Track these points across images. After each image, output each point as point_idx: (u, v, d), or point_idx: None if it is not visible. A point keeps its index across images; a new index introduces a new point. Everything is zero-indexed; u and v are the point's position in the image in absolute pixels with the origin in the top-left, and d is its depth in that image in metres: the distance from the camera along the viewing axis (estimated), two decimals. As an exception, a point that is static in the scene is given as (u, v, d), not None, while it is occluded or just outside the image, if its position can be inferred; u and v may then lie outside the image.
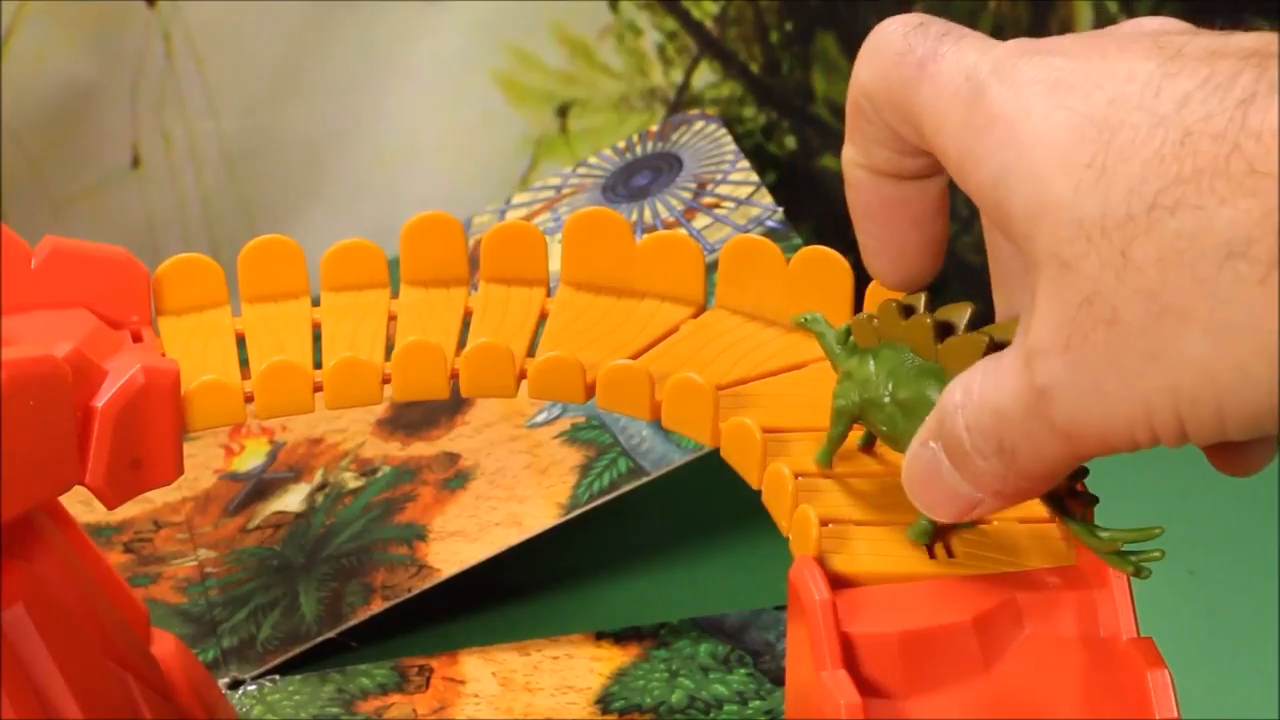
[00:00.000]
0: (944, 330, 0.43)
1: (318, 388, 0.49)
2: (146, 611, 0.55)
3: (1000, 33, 0.79)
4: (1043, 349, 0.38)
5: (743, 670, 0.67)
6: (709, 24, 0.85)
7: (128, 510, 0.76)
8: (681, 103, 0.86)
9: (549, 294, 0.54)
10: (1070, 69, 0.38)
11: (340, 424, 0.78)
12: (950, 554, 0.44)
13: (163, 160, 0.87)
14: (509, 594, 0.72)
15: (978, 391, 0.40)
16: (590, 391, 0.49)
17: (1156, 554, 0.41)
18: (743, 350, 0.51)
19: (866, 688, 0.41)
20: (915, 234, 0.44)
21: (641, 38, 0.85)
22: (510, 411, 0.76)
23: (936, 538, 0.44)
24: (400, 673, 0.68)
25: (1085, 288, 0.36)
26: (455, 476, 0.74)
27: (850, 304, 0.50)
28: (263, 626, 0.70)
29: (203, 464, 0.79)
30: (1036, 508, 0.45)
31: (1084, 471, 0.43)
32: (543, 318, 0.53)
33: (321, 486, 0.76)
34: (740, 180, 0.79)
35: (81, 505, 0.53)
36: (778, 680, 0.66)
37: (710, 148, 0.82)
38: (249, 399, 0.49)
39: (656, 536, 0.75)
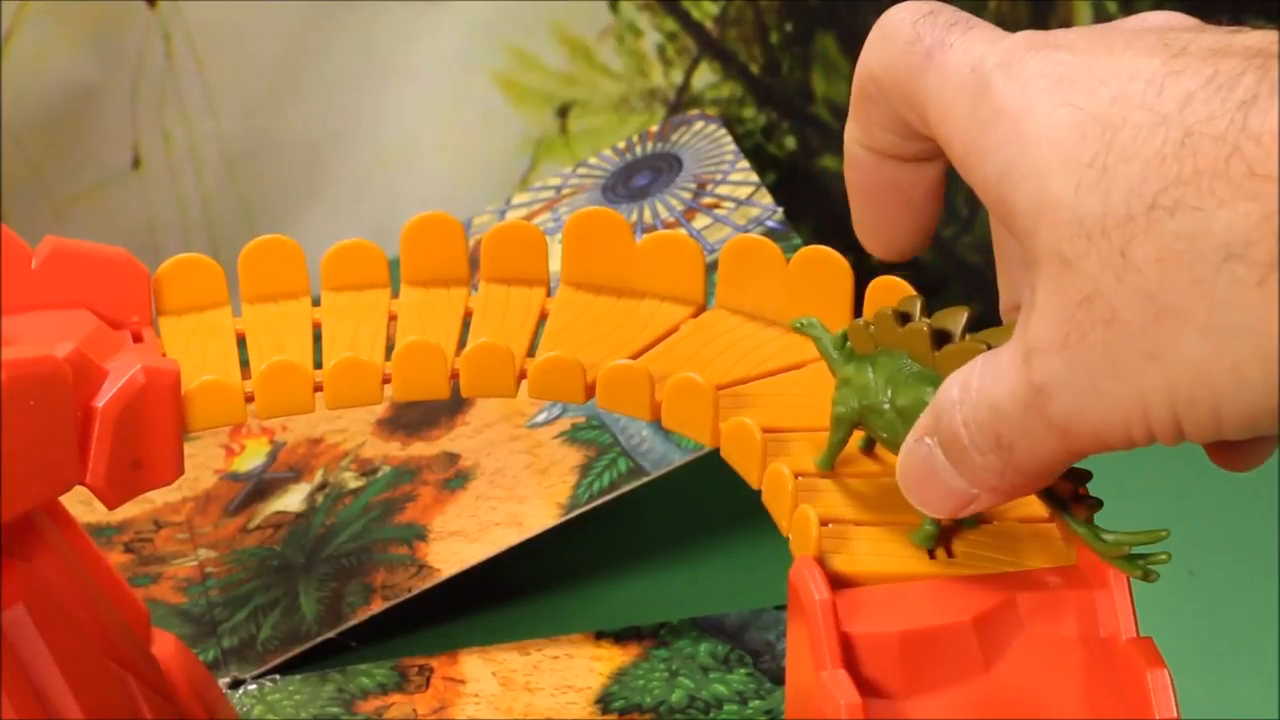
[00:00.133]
0: (941, 337, 0.43)
1: (318, 388, 0.49)
2: (147, 611, 0.55)
3: (1000, 33, 0.79)
4: (1041, 346, 0.38)
5: (743, 670, 0.67)
6: (709, 25, 0.85)
7: (128, 510, 0.76)
8: (681, 103, 0.86)
9: (549, 294, 0.54)
10: (1075, 64, 0.38)
11: (340, 424, 0.78)
12: (950, 554, 0.44)
13: (163, 161, 0.87)
14: (509, 594, 0.72)
15: (975, 387, 0.40)
16: (590, 391, 0.49)
17: (1164, 556, 0.41)
18: (743, 350, 0.51)
19: (866, 688, 0.41)
20: (908, 214, 0.44)
21: (641, 38, 0.85)
22: (510, 411, 0.76)
23: (939, 542, 0.44)
24: (400, 672, 0.68)
25: (1085, 286, 0.36)
26: (455, 476, 0.74)
27: (850, 304, 0.50)
28: (263, 626, 0.70)
29: (203, 464, 0.79)
30: (1036, 507, 0.45)
31: (1087, 475, 0.43)
32: (543, 318, 0.53)
33: (322, 486, 0.76)
34: (740, 180, 0.79)
35: (82, 505, 0.53)
36: (778, 680, 0.66)
37: (710, 148, 0.82)
38: (249, 399, 0.49)
39: (656, 536, 0.75)
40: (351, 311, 0.53)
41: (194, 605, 0.71)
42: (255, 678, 0.68)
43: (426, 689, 0.67)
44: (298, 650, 0.68)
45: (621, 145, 0.85)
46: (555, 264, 0.53)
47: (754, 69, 0.85)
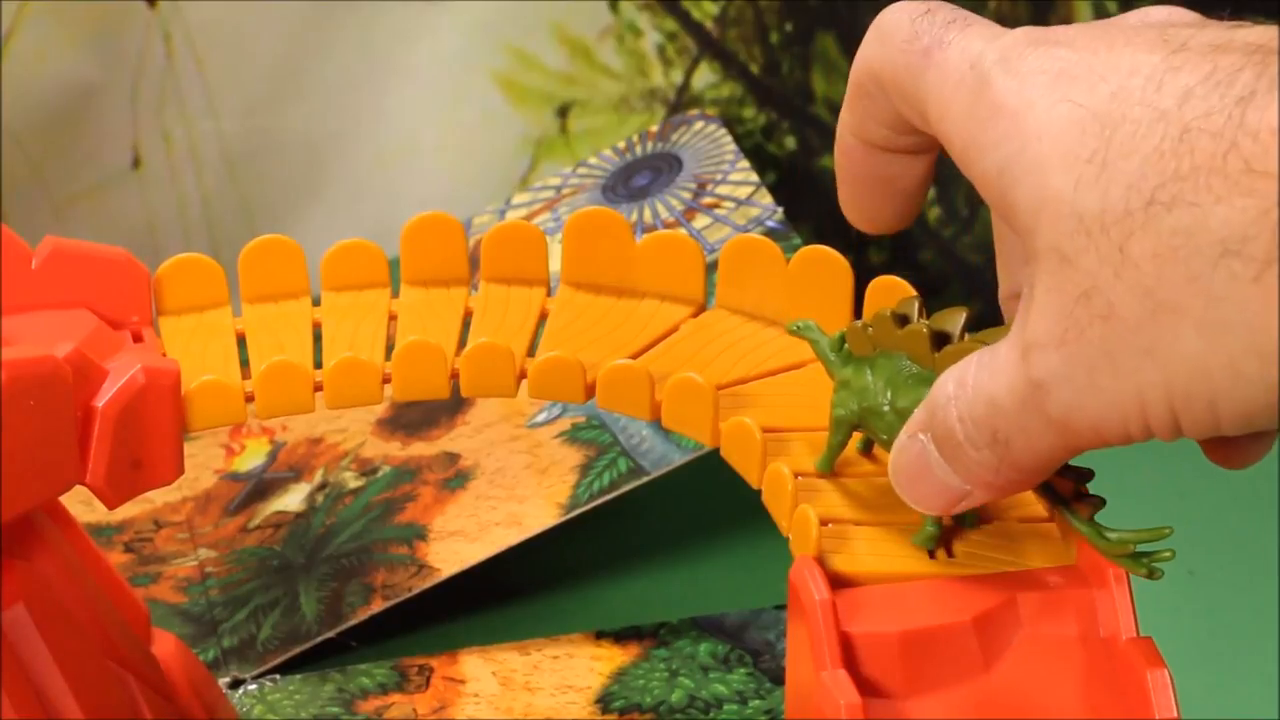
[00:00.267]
0: (939, 338, 0.43)
1: (318, 387, 0.49)
2: (147, 611, 0.55)
3: (1000, 33, 0.79)
4: (1039, 342, 0.38)
5: (743, 670, 0.67)
6: (709, 25, 0.85)
7: (128, 510, 0.76)
8: (681, 103, 0.86)
9: (549, 294, 0.54)
10: (1075, 60, 0.38)
11: (340, 424, 0.78)
12: (950, 554, 0.44)
13: (163, 161, 0.87)
14: (509, 594, 0.72)
15: (972, 383, 0.40)
16: (590, 391, 0.49)
17: (1168, 554, 0.41)
18: (743, 350, 0.51)
19: (866, 688, 0.41)
20: (894, 202, 0.44)
21: (641, 38, 0.85)
22: (510, 411, 0.76)
23: (939, 542, 0.44)
24: (400, 672, 0.68)
25: (1083, 282, 0.37)
26: (455, 476, 0.74)
27: (850, 304, 0.50)
28: (263, 626, 0.70)
29: (203, 464, 0.79)
30: (1036, 508, 0.45)
31: (1089, 474, 0.43)
32: (543, 317, 0.53)
33: (322, 486, 0.76)
34: (740, 180, 0.79)
35: (82, 505, 0.53)
36: (778, 680, 0.66)
37: (710, 148, 0.82)
38: (249, 399, 0.49)
39: (656, 536, 0.75)
40: (351, 311, 0.53)
41: (194, 605, 0.71)
42: (255, 677, 0.68)
43: (426, 689, 0.67)
44: (298, 650, 0.68)
45: (621, 145, 0.85)
46: (555, 264, 0.53)
47: (754, 69, 0.85)
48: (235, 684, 0.68)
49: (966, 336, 0.43)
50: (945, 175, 0.46)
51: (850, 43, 0.83)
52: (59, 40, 0.83)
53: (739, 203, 0.78)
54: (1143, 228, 0.36)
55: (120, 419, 0.45)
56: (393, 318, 0.53)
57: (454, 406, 0.77)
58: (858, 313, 0.50)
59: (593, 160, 0.85)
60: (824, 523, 0.44)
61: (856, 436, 0.47)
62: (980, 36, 0.40)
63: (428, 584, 0.69)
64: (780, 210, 0.76)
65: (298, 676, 0.68)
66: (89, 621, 0.47)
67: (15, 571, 0.44)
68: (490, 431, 0.75)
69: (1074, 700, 0.42)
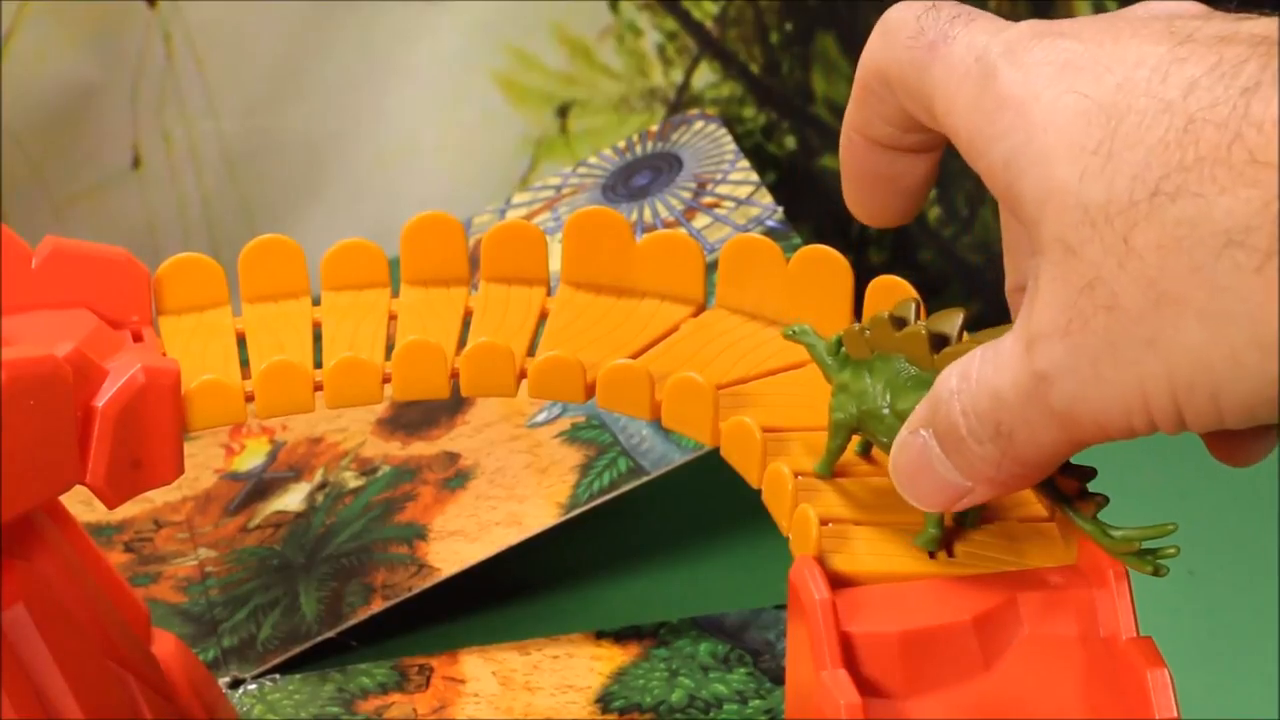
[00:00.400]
0: (938, 340, 0.43)
1: (318, 387, 0.49)
2: (147, 611, 0.55)
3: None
4: (1044, 333, 0.38)
5: (743, 669, 0.67)
6: (709, 24, 0.85)
7: (128, 510, 0.76)
8: (681, 103, 0.86)
9: (549, 293, 0.54)
10: (1080, 51, 0.38)
11: (340, 423, 0.78)
12: (950, 554, 0.44)
13: (163, 161, 0.87)
14: (509, 594, 0.72)
15: (975, 376, 0.40)
16: (590, 391, 0.49)
17: (1172, 550, 0.41)
18: (743, 350, 0.51)
19: (866, 687, 0.41)
20: (899, 199, 0.45)
21: (641, 38, 0.85)
22: (510, 411, 0.76)
23: (940, 543, 0.44)
24: (400, 672, 0.68)
25: (1088, 273, 0.37)
26: (455, 476, 0.74)
27: (850, 303, 0.50)
28: (263, 626, 0.70)
29: (203, 463, 0.79)
30: (1037, 507, 0.45)
31: (1092, 472, 0.43)
32: (543, 317, 0.53)
33: (322, 486, 0.76)
34: (740, 180, 0.79)
35: (81, 505, 0.53)
36: (778, 679, 0.66)
37: (710, 147, 0.82)
38: (249, 398, 0.49)
39: (656, 536, 0.75)
40: (351, 311, 0.53)
41: (194, 605, 0.71)
42: (255, 677, 0.68)
43: (426, 689, 0.67)
44: (298, 650, 0.68)
45: (621, 145, 0.85)
46: (555, 263, 0.53)
47: (754, 69, 0.85)
48: (235, 684, 0.68)
49: (965, 337, 0.43)
50: (945, 175, 0.46)
51: (850, 42, 0.83)
52: (59, 40, 0.83)
53: (739, 202, 0.78)
54: (1147, 218, 0.36)
55: (120, 419, 0.45)
56: (393, 317, 0.53)
57: (454, 406, 0.77)
58: (858, 313, 0.50)
59: (593, 160, 0.85)
60: (824, 522, 0.44)
61: (855, 439, 0.47)
62: (985, 30, 0.40)
63: (428, 584, 0.69)
64: (780, 210, 0.76)
65: (298, 676, 0.68)
66: (89, 621, 0.47)
67: (15, 571, 0.44)
68: (490, 431, 0.75)
69: (1074, 700, 0.42)
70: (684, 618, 0.69)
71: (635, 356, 0.51)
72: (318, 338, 0.52)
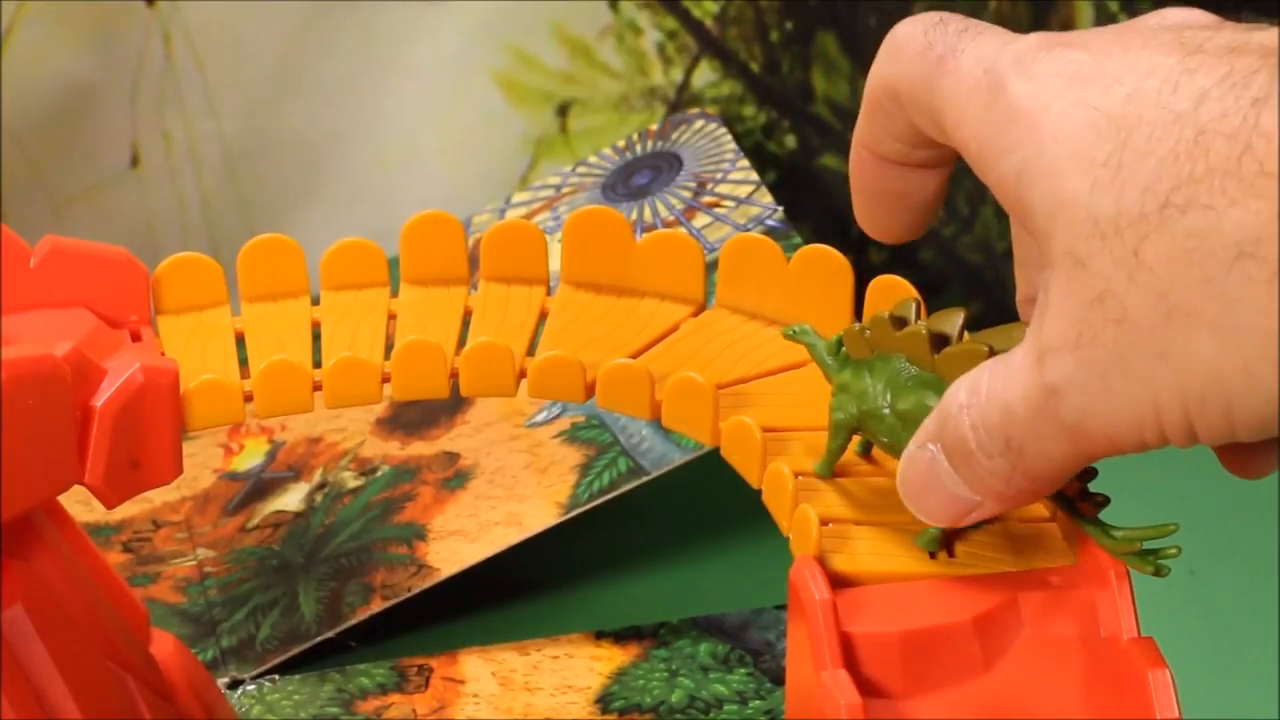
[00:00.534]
0: (938, 340, 0.43)
1: (317, 387, 0.49)
2: (146, 611, 0.55)
3: (1000, 32, 0.79)
4: (1054, 346, 0.37)
5: (743, 670, 0.67)
6: (709, 23, 0.85)
7: (127, 510, 0.76)
8: (681, 102, 0.86)
9: (549, 293, 0.54)
10: (1089, 63, 0.37)
11: (340, 423, 0.78)
12: (951, 554, 0.44)
13: (162, 160, 0.87)
14: (509, 594, 0.72)
15: (985, 391, 0.39)
16: (590, 391, 0.49)
17: (1174, 550, 0.41)
18: (743, 349, 0.51)
19: (866, 688, 0.41)
20: (910, 215, 0.45)
21: (641, 37, 0.85)
22: (510, 411, 0.76)
23: (941, 543, 0.44)
24: (400, 672, 0.68)
25: (1098, 286, 0.36)
26: (455, 476, 0.74)
27: (850, 303, 0.50)
28: (262, 626, 0.69)
29: (202, 463, 0.78)
30: (1037, 507, 0.45)
31: (1093, 473, 0.43)
32: (543, 317, 0.53)
33: (321, 486, 0.76)
34: (740, 179, 0.79)
35: (81, 505, 0.53)
36: (778, 680, 0.66)
37: (710, 147, 0.82)
38: (248, 398, 0.49)
39: (656, 536, 0.75)
40: (351, 311, 0.53)
41: (193, 605, 0.71)
42: (254, 678, 0.68)
43: (426, 689, 0.67)
44: (297, 650, 0.68)
45: (621, 144, 0.85)
46: (555, 263, 0.53)
47: (754, 67, 0.85)
48: (234, 684, 0.68)
49: (965, 337, 0.43)
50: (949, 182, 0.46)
51: (850, 42, 0.83)
52: (58, 40, 0.83)
53: (739, 201, 0.78)
54: (1157, 230, 0.35)
55: (119, 418, 0.45)
56: (392, 317, 0.53)
57: (453, 406, 0.77)
58: (858, 312, 0.50)
59: (592, 159, 0.85)
60: (824, 522, 0.44)
61: (856, 439, 0.46)
62: (993, 42, 0.39)
63: (427, 584, 0.69)
64: (780, 209, 0.76)
65: (297, 677, 0.68)
66: (88, 622, 0.47)
67: (14, 572, 0.44)
68: (490, 431, 0.75)
69: (1075, 700, 0.42)
70: (684, 618, 0.69)
71: (635, 356, 0.51)
72: (317, 337, 0.52)
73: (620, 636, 0.69)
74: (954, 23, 0.41)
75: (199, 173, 0.87)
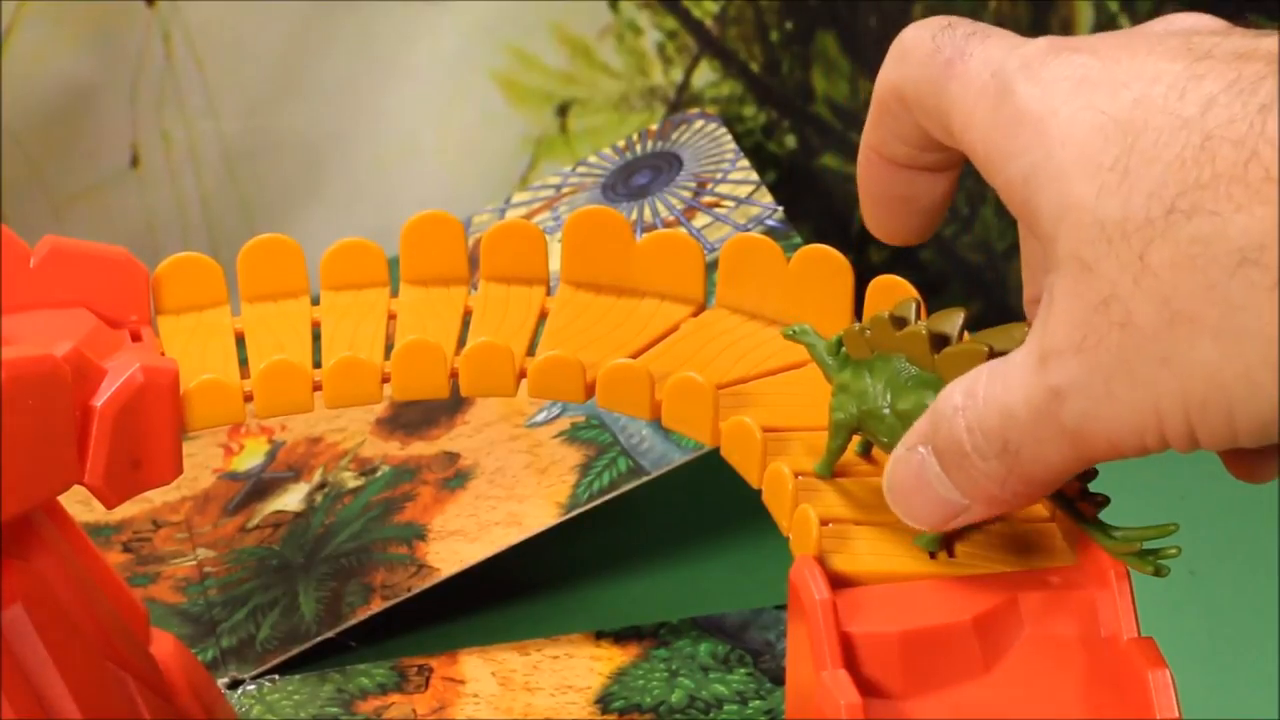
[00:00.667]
0: (938, 340, 0.43)
1: (317, 387, 0.49)
2: (146, 611, 0.55)
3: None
4: (1058, 349, 0.37)
5: (743, 670, 0.67)
6: (709, 23, 0.85)
7: (126, 510, 0.76)
8: (681, 102, 0.86)
9: (549, 293, 0.54)
10: (1097, 67, 0.38)
11: (340, 423, 0.78)
12: (951, 554, 0.44)
13: (162, 160, 0.87)
14: (509, 594, 0.72)
15: (983, 393, 0.39)
16: (590, 391, 0.49)
17: (1174, 550, 0.41)
18: (743, 349, 0.51)
19: (866, 688, 0.41)
20: (918, 218, 0.45)
21: (641, 37, 0.85)
22: (510, 411, 0.76)
23: (941, 543, 0.44)
24: (400, 672, 0.68)
25: (1103, 290, 0.36)
26: (455, 476, 0.74)
27: (850, 303, 0.50)
28: (262, 626, 0.69)
29: (202, 463, 0.78)
30: (1036, 507, 0.45)
31: (1093, 473, 0.43)
32: (543, 317, 0.53)
33: (321, 486, 0.76)
34: (740, 179, 0.79)
35: (80, 505, 0.53)
36: (778, 680, 0.66)
37: (710, 147, 0.82)
38: (248, 398, 0.49)
39: (656, 536, 0.75)
40: (351, 311, 0.53)
41: (193, 605, 0.71)
42: (254, 678, 0.68)
43: (426, 689, 0.67)
44: (297, 650, 0.68)
45: (621, 144, 0.85)
46: (555, 263, 0.53)
47: (754, 67, 0.85)
48: (234, 684, 0.67)
49: (965, 337, 0.43)
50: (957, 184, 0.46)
51: (850, 42, 0.83)
52: (58, 40, 0.83)
53: (739, 201, 0.78)
54: (1163, 235, 0.36)
55: (119, 418, 0.45)
56: (392, 317, 0.53)
57: (453, 406, 0.77)
58: (858, 312, 0.50)
59: (592, 159, 0.85)
60: (824, 522, 0.44)
61: (856, 439, 0.46)
62: (1001, 46, 0.40)
63: (427, 584, 0.69)
64: (780, 209, 0.76)
65: (297, 677, 0.68)
66: (87, 622, 0.47)
67: (14, 571, 0.44)
68: (490, 431, 0.75)
69: (1075, 701, 0.42)
70: (684, 618, 0.69)
71: (635, 356, 0.51)
72: (317, 337, 0.52)
73: (620, 636, 0.69)
74: (962, 26, 0.41)
75: (199, 173, 0.87)
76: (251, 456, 0.79)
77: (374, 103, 0.87)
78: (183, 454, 0.48)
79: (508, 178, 0.87)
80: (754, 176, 0.79)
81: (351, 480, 0.75)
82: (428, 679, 0.67)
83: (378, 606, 0.69)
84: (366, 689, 0.67)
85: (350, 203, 0.88)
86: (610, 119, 0.86)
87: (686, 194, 0.79)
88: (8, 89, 0.82)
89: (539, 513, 0.70)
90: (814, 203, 0.86)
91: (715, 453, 0.49)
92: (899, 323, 0.44)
